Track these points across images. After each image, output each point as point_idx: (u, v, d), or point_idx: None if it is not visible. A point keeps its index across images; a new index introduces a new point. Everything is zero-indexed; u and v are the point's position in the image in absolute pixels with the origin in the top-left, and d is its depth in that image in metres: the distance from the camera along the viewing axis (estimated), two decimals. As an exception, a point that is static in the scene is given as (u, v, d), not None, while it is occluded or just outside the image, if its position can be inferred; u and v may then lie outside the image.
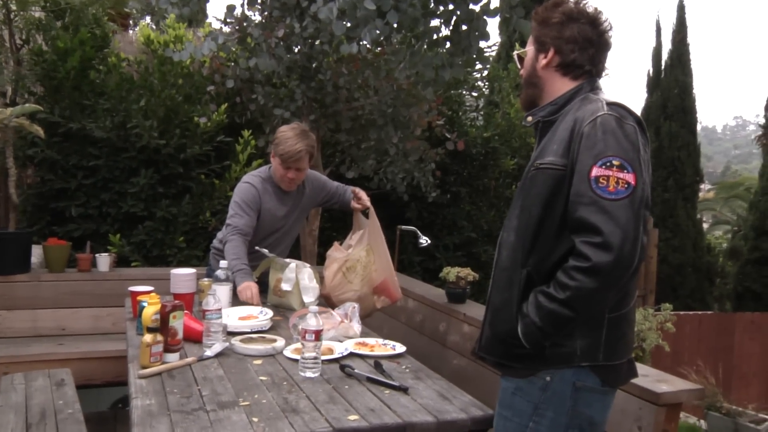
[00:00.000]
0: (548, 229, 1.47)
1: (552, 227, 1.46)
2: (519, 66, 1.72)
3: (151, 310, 2.08)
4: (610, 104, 1.48)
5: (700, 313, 8.54)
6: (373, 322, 3.19)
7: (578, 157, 1.44)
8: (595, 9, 1.58)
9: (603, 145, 1.41)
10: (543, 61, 1.60)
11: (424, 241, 3.88)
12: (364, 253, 2.79)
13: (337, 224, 4.91)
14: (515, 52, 1.76)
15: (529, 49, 1.65)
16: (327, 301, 2.78)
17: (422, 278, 4.46)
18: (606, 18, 1.58)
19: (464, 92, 5.71)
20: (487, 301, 1.64)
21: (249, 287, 2.67)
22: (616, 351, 1.49)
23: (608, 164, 1.39)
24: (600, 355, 1.47)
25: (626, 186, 1.38)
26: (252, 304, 2.63)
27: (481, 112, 5.89)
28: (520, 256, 1.51)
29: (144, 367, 1.94)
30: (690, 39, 10.52)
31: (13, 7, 4.19)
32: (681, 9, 10.63)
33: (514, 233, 1.54)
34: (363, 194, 2.98)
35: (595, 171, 1.40)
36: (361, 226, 2.93)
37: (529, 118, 1.64)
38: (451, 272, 2.99)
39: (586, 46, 1.56)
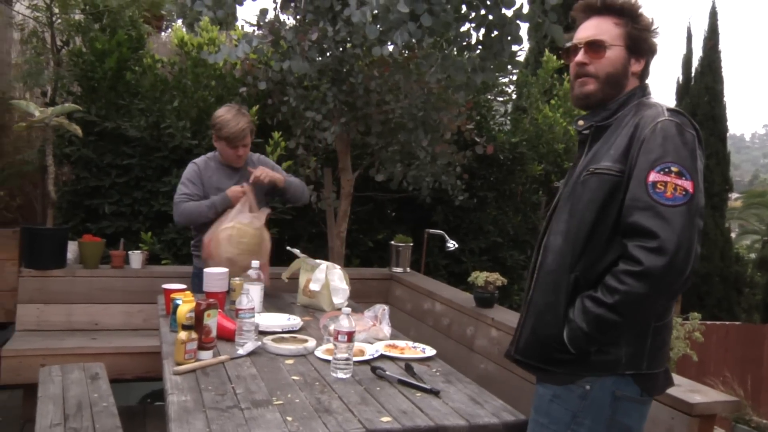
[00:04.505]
0: (600, 235, 1.46)
1: (604, 233, 1.45)
2: (568, 57, 1.59)
3: (186, 307, 2.11)
4: (671, 110, 1.46)
5: (727, 323, 8.39)
6: (399, 324, 3.20)
7: (636, 162, 1.42)
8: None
9: (662, 150, 1.40)
10: (636, 67, 1.57)
11: (452, 245, 3.89)
12: (252, 231, 2.91)
13: (363, 226, 4.94)
14: (573, 42, 1.57)
15: (617, 47, 1.53)
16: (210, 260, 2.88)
17: (447, 282, 4.45)
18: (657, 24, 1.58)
19: (491, 97, 5.69)
20: (526, 304, 1.62)
21: (233, 189, 2.97)
22: (657, 359, 1.48)
23: (666, 170, 1.38)
24: (644, 363, 1.46)
25: (684, 193, 1.37)
26: (242, 195, 2.94)
27: (509, 118, 5.87)
28: (569, 260, 1.49)
29: (178, 364, 1.98)
30: (721, 46, 10.37)
31: (56, 10, 4.30)
32: (713, 15, 10.47)
33: (561, 237, 1.53)
34: (257, 171, 3.07)
35: (653, 176, 1.38)
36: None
37: (581, 122, 1.60)
38: (479, 276, 2.98)
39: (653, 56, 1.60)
